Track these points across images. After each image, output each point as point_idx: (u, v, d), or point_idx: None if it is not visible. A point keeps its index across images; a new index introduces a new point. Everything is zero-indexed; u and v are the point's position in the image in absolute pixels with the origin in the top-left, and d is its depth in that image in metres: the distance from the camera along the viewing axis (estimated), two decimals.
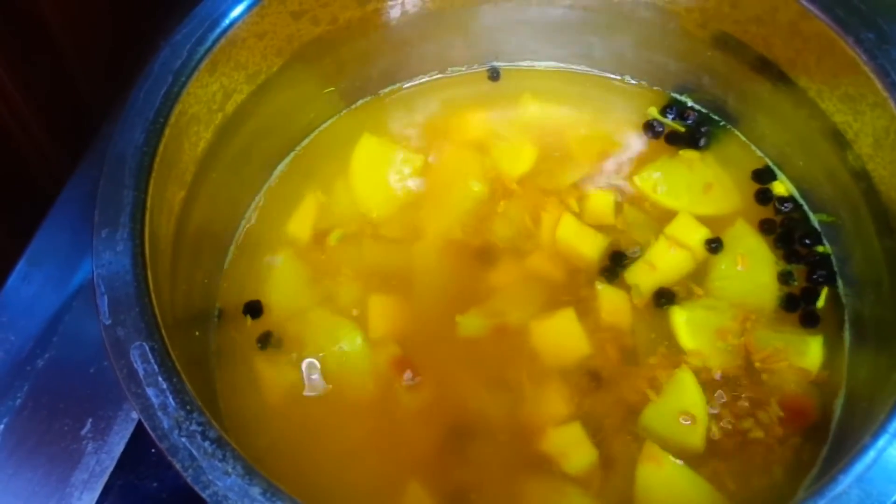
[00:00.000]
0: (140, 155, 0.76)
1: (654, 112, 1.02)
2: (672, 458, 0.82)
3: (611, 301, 0.90)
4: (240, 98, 0.89)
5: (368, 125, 1.02)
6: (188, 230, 0.84)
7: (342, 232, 0.95)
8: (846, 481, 0.64)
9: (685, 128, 1.02)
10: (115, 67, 1.00)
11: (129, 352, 0.68)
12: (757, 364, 0.87)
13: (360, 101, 1.04)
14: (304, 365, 0.88)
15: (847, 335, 0.89)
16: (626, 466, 0.82)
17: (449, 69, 1.06)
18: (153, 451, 0.86)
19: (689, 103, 1.03)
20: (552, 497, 0.82)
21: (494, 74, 1.06)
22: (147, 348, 0.68)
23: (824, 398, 0.86)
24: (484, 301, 0.91)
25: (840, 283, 0.92)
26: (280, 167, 1.00)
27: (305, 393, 0.87)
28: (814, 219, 0.96)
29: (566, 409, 0.85)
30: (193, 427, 0.66)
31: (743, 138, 1.01)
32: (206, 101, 0.84)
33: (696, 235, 0.93)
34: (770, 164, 0.99)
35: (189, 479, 0.64)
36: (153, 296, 0.71)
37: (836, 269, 0.93)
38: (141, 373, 0.67)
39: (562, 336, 0.89)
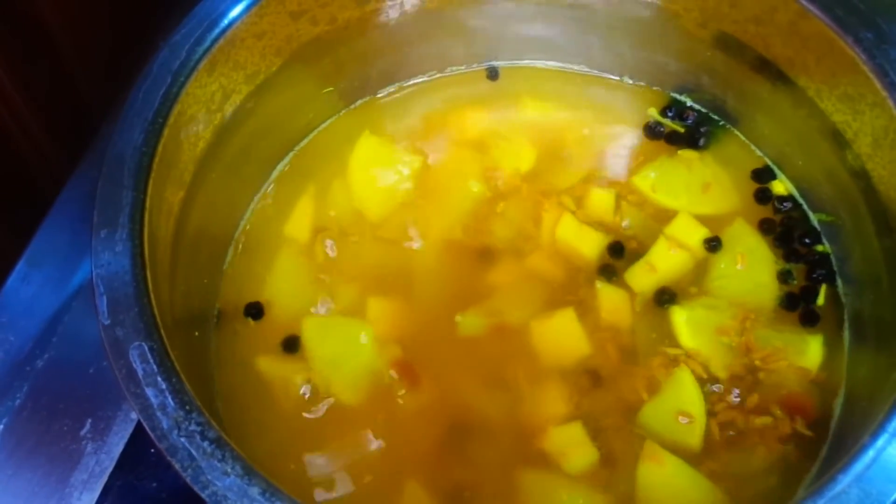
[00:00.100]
0: (139, 155, 0.76)
1: (653, 112, 1.02)
2: (673, 457, 0.82)
3: (611, 300, 0.90)
4: (238, 98, 0.89)
5: (367, 125, 1.01)
6: (187, 230, 0.84)
7: (341, 232, 0.95)
8: (845, 480, 0.64)
9: (684, 128, 1.02)
10: (114, 67, 1.00)
11: (128, 352, 0.68)
12: (756, 363, 0.87)
13: (359, 101, 1.04)
14: (303, 365, 0.88)
15: (846, 334, 0.89)
16: (627, 466, 0.82)
17: (448, 69, 1.06)
18: (152, 451, 0.86)
19: (689, 103, 1.03)
20: (552, 496, 0.82)
21: (493, 74, 1.06)
22: (146, 348, 0.68)
23: (824, 397, 0.86)
24: (483, 300, 0.90)
25: (839, 282, 0.92)
26: (279, 167, 1.00)
27: (304, 393, 0.87)
28: (813, 218, 0.96)
29: (566, 409, 0.85)
30: (192, 427, 0.66)
31: (742, 138, 1.01)
32: (205, 101, 0.84)
33: (696, 236, 0.93)
34: (769, 163, 0.99)
35: (188, 480, 0.64)
36: (152, 296, 0.71)
37: (835, 268, 0.93)
38: (140, 373, 0.67)
39: (562, 336, 0.89)
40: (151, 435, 0.66)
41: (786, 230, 0.95)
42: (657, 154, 1.00)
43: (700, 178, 0.98)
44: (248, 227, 0.97)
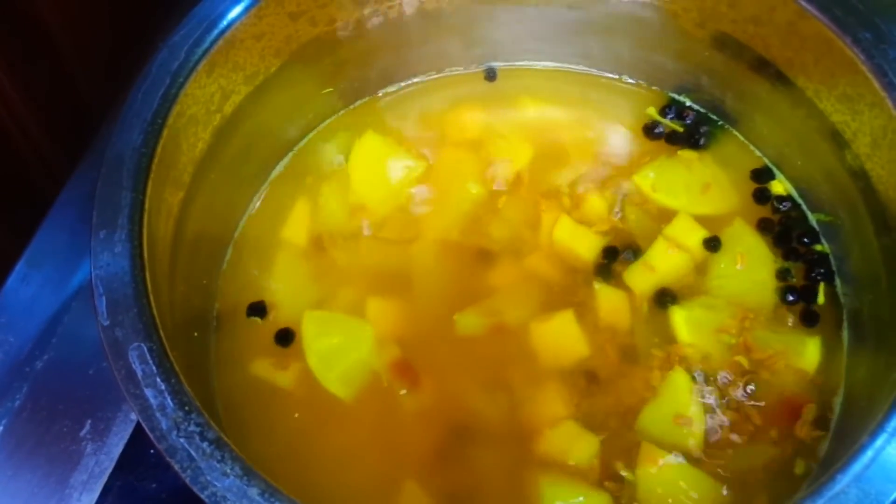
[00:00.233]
0: (138, 156, 0.76)
1: (652, 112, 1.02)
2: (671, 458, 0.82)
3: (609, 301, 0.90)
4: (238, 99, 0.89)
5: (366, 126, 1.01)
6: (186, 231, 0.84)
7: (340, 233, 0.95)
8: (844, 480, 0.64)
9: (684, 128, 1.02)
10: (114, 68, 1.00)
11: (127, 353, 0.68)
12: (755, 363, 0.87)
13: (358, 102, 1.04)
14: (302, 366, 0.88)
15: (845, 334, 0.89)
16: (628, 466, 0.82)
17: (446, 69, 1.06)
18: (152, 452, 0.86)
19: (688, 103, 1.03)
20: (552, 496, 0.82)
21: (491, 75, 1.06)
22: (145, 349, 0.68)
23: (823, 397, 0.86)
24: (482, 300, 0.91)
25: (838, 282, 0.92)
26: (278, 168, 1.00)
27: (304, 393, 0.87)
28: (812, 218, 0.96)
29: (565, 410, 0.85)
30: (192, 428, 0.66)
31: (741, 138, 1.01)
32: (204, 102, 0.84)
33: (695, 236, 0.93)
34: (768, 163, 0.99)
35: (188, 480, 0.64)
36: (151, 297, 0.71)
37: (834, 268, 0.93)
38: (139, 374, 0.67)
39: (561, 337, 0.89)
40: (151, 436, 0.66)
41: (784, 230, 0.95)
42: (656, 154, 1.00)
43: (700, 178, 0.98)
44: (247, 227, 0.97)
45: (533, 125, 1.02)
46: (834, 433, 0.84)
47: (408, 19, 0.97)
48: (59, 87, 1.12)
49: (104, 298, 0.70)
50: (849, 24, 0.81)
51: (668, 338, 0.88)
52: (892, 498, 0.63)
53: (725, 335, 0.88)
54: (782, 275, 0.92)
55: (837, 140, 0.88)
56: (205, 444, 0.65)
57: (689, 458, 0.82)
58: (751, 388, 0.86)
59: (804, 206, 0.96)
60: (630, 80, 1.05)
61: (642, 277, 0.91)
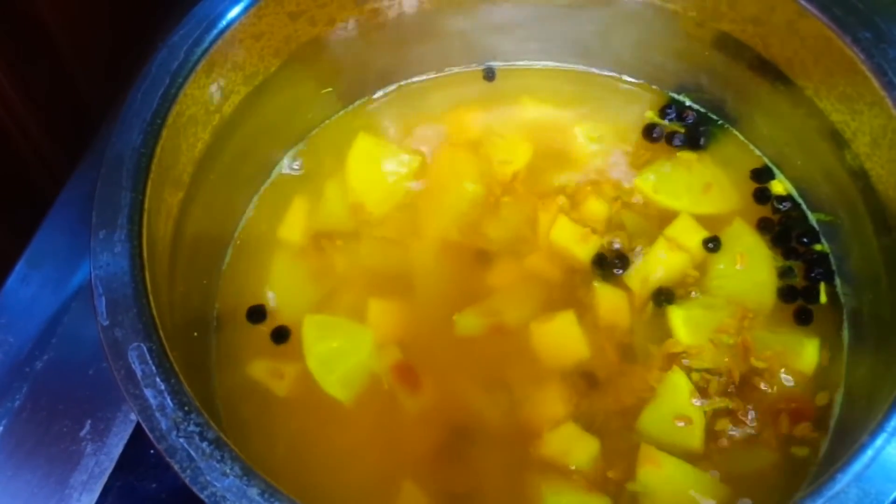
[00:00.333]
0: (137, 156, 0.76)
1: (651, 115, 1.02)
2: (671, 458, 0.82)
3: (609, 300, 0.90)
4: (237, 99, 0.89)
5: (365, 125, 1.02)
6: (186, 232, 0.84)
7: (339, 233, 0.95)
8: (844, 480, 0.64)
9: (684, 128, 1.02)
10: (114, 68, 1.00)
11: (126, 353, 0.68)
12: (755, 362, 0.87)
13: (358, 102, 1.04)
14: (302, 367, 0.88)
15: (845, 334, 0.89)
16: (628, 467, 0.82)
17: (445, 69, 1.06)
18: (152, 452, 0.86)
19: (688, 103, 1.03)
20: (552, 498, 0.82)
21: (490, 74, 1.06)
22: (145, 349, 0.68)
23: (822, 396, 0.86)
24: (482, 301, 0.90)
25: (838, 281, 0.92)
26: (278, 168, 1.00)
27: (304, 394, 0.87)
28: (812, 218, 0.96)
29: (564, 411, 0.85)
30: (192, 428, 0.66)
31: (741, 138, 1.01)
32: (204, 102, 0.84)
33: (696, 237, 0.93)
34: (768, 163, 0.99)
35: (187, 480, 0.64)
36: (151, 297, 0.71)
37: (834, 267, 0.93)
38: (139, 374, 0.67)
39: (561, 337, 0.89)
40: (150, 436, 0.66)
41: (784, 229, 0.95)
42: (657, 154, 1.00)
43: (700, 178, 0.98)
44: (246, 228, 0.97)
45: (532, 125, 1.02)
46: (834, 432, 0.84)
47: (407, 19, 0.97)
48: (59, 87, 1.12)
49: (104, 298, 0.70)
50: (848, 23, 0.81)
51: (668, 337, 0.88)
52: (892, 497, 0.64)
53: (725, 335, 0.88)
54: (784, 274, 0.92)
55: (837, 139, 0.88)
56: (204, 444, 0.65)
57: (690, 458, 0.82)
58: (750, 385, 0.86)
59: (804, 206, 0.96)
60: (630, 80, 1.05)
61: (642, 277, 0.91)
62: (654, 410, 0.84)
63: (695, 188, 0.97)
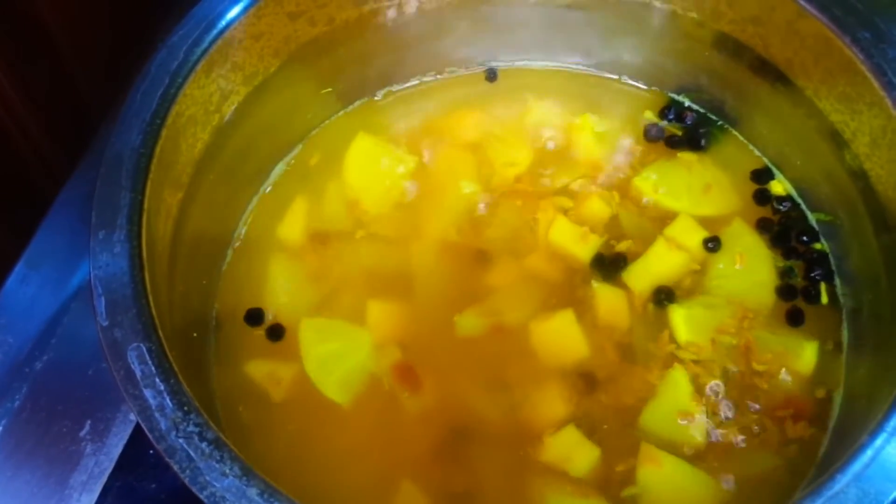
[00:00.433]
0: (137, 157, 0.76)
1: (650, 116, 1.02)
2: (671, 457, 0.82)
3: (608, 300, 0.90)
4: (237, 99, 0.89)
5: (365, 126, 1.01)
6: (185, 232, 0.84)
7: (338, 234, 0.95)
8: (844, 480, 0.64)
9: (684, 129, 1.02)
10: (114, 68, 1.00)
11: (126, 353, 0.68)
12: (755, 363, 0.87)
13: (358, 103, 1.04)
14: (301, 368, 0.88)
15: (845, 334, 0.89)
16: (629, 467, 0.82)
17: (446, 70, 1.06)
18: (151, 452, 0.86)
19: (688, 104, 1.03)
20: (553, 497, 0.82)
21: (491, 75, 1.06)
22: (144, 349, 0.68)
23: (822, 396, 0.86)
24: (482, 301, 0.90)
25: (838, 281, 0.92)
26: (277, 168, 1.00)
27: (303, 396, 0.87)
28: (812, 218, 0.96)
29: (564, 411, 0.85)
30: (191, 428, 0.66)
31: (741, 138, 1.01)
32: (203, 102, 0.84)
33: (696, 237, 0.92)
34: (768, 164, 0.99)
35: (187, 481, 0.64)
36: (150, 297, 0.71)
37: (833, 267, 0.93)
38: (138, 374, 0.67)
39: (561, 337, 0.89)
40: (150, 436, 0.65)
41: (783, 229, 0.95)
42: (657, 155, 1.00)
43: (700, 179, 0.98)
44: (246, 228, 0.97)
45: (532, 126, 1.02)
46: (833, 432, 0.84)
47: (407, 19, 0.97)
48: (59, 87, 1.12)
49: (103, 299, 0.70)
50: (848, 23, 0.81)
51: (668, 337, 0.88)
52: (891, 497, 0.64)
53: (725, 335, 0.88)
54: (784, 274, 0.92)
55: (837, 140, 0.88)
56: (204, 445, 0.65)
57: (690, 457, 0.82)
58: (750, 385, 0.86)
59: (804, 206, 0.96)
60: (630, 81, 1.05)
61: (641, 276, 0.91)
62: (655, 408, 0.84)
63: (695, 189, 0.97)
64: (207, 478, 0.64)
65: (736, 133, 1.01)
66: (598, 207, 0.95)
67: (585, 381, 0.86)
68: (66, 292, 0.97)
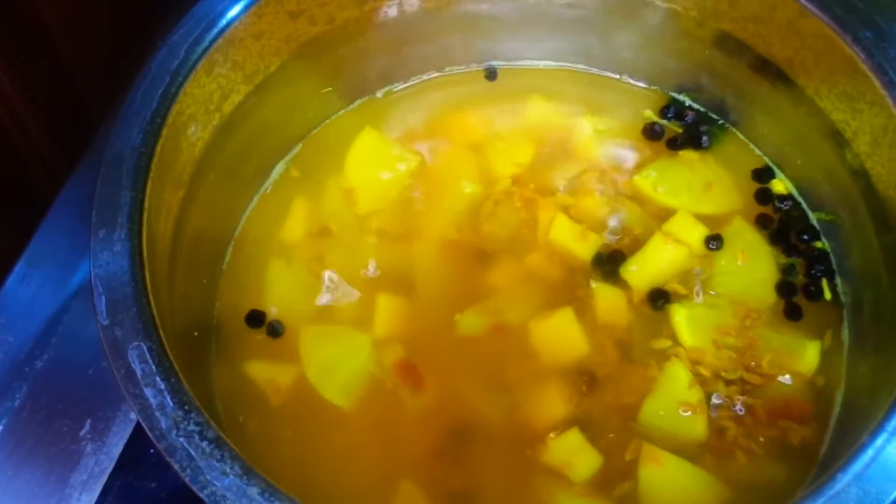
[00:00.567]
0: (137, 155, 0.76)
1: (650, 114, 1.02)
2: (673, 457, 0.82)
3: (608, 299, 0.90)
4: (237, 98, 0.89)
5: (366, 125, 1.01)
6: (186, 231, 0.84)
7: (339, 232, 0.95)
8: (845, 479, 0.64)
9: (684, 127, 1.02)
10: (114, 67, 1.00)
11: (126, 352, 0.68)
12: (756, 361, 0.87)
13: (358, 101, 1.04)
14: (302, 368, 0.88)
15: (846, 333, 0.89)
16: (629, 468, 0.82)
17: (447, 68, 1.06)
18: (152, 451, 0.86)
19: (688, 103, 1.03)
20: (552, 499, 0.82)
21: (492, 74, 1.06)
22: (145, 348, 0.68)
23: (823, 395, 0.86)
24: (482, 300, 0.90)
25: (839, 280, 0.92)
26: (278, 167, 1.00)
27: (303, 395, 0.87)
28: (813, 217, 0.96)
29: (565, 410, 0.85)
30: (191, 427, 0.65)
31: (742, 137, 1.01)
32: (204, 101, 0.84)
33: (695, 233, 0.92)
34: (769, 163, 0.99)
35: (187, 480, 0.64)
36: (151, 296, 0.71)
37: (834, 266, 0.93)
38: (139, 373, 0.67)
39: (560, 335, 0.89)
40: (150, 435, 0.65)
41: (783, 227, 0.95)
42: (657, 154, 1.00)
43: (701, 177, 0.98)
44: (247, 227, 0.97)
45: (533, 125, 1.02)
46: (834, 432, 0.84)
47: (408, 18, 0.97)
48: (59, 87, 1.12)
49: (104, 298, 0.70)
50: (849, 22, 0.81)
51: (668, 336, 0.88)
52: (892, 497, 0.64)
53: (726, 333, 0.88)
54: (785, 271, 0.92)
55: (838, 139, 0.88)
56: (204, 444, 0.65)
57: (691, 457, 0.82)
58: (751, 385, 0.86)
59: (805, 206, 0.96)
60: (630, 80, 1.05)
61: (640, 273, 0.91)
62: (656, 402, 0.84)
63: (695, 187, 0.97)
64: (208, 477, 0.64)
65: (737, 132, 1.01)
66: (598, 206, 0.95)
67: (585, 380, 0.86)
68: (67, 291, 0.97)
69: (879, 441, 0.65)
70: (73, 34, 1.10)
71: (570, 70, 1.06)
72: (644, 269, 0.91)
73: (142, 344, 0.68)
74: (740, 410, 0.85)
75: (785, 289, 0.91)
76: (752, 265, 0.92)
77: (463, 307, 0.90)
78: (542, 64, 1.06)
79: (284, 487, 0.64)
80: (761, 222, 0.95)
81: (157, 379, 0.67)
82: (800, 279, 0.92)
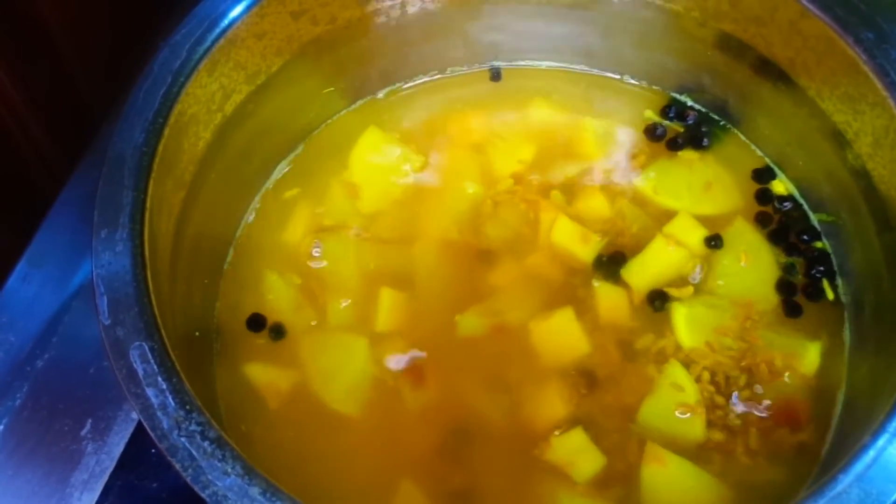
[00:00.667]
0: (139, 155, 0.76)
1: (651, 115, 1.02)
2: (675, 457, 0.82)
3: (609, 299, 0.90)
4: (239, 98, 0.89)
5: (368, 125, 1.01)
6: (188, 231, 0.84)
7: (341, 232, 0.95)
8: (846, 480, 0.64)
9: (685, 128, 1.02)
10: (114, 67, 1.00)
11: (128, 352, 0.68)
12: (756, 362, 0.87)
13: (360, 102, 1.04)
14: (297, 373, 0.88)
15: (847, 334, 0.89)
16: (630, 467, 0.82)
17: (449, 69, 1.06)
18: (153, 451, 0.86)
19: (689, 103, 1.03)
20: (553, 499, 0.82)
21: (496, 74, 1.06)
22: (146, 348, 0.68)
23: (824, 397, 0.86)
24: (483, 301, 0.90)
25: (840, 281, 0.92)
26: (279, 167, 1.00)
27: (304, 395, 0.87)
28: (813, 218, 0.96)
29: (565, 410, 0.85)
30: (193, 427, 0.66)
31: (743, 138, 1.01)
32: (206, 101, 0.84)
33: (695, 234, 0.92)
34: (770, 163, 0.99)
35: (188, 479, 0.64)
36: (152, 296, 0.71)
37: (835, 267, 0.93)
38: (140, 373, 0.67)
39: (561, 335, 0.89)
40: (152, 435, 0.65)
41: (782, 227, 0.95)
42: (658, 154, 1.00)
43: (702, 178, 0.98)
44: (248, 227, 0.97)
45: (535, 125, 1.02)
46: (835, 433, 0.84)
47: (410, 18, 0.97)
48: (59, 87, 1.12)
49: (105, 297, 0.70)
50: (851, 23, 0.81)
51: (669, 336, 0.88)
52: (893, 498, 0.63)
53: (726, 334, 0.88)
54: (787, 271, 0.92)
55: (839, 140, 0.88)
56: (206, 444, 0.65)
57: (693, 457, 0.82)
58: (752, 386, 0.86)
59: (805, 206, 0.96)
60: (632, 81, 1.05)
61: (640, 274, 0.91)
62: (654, 403, 0.84)
63: (696, 187, 0.97)
64: (209, 477, 0.64)
65: (738, 132, 1.01)
66: (599, 207, 0.95)
67: (586, 379, 0.86)
68: (68, 291, 0.97)
69: (881, 442, 0.65)
70: (74, 34, 1.10)
71: (573, 71, 1.06)
72: (645, 271, 0.91)
73: (143, 344, 0.68)
74: (741, 411, 0.85)
75: (785, 288, 0.91)
76: (753, 265, 0.92)
77: (464, 307, 0.90)
78: (544, 65, 1.06)
79: (285, 488, 0.64)
80: (760, 220, 0.95)
81: (159, 379, 0.67)
82: (800, 279, 0.92)
